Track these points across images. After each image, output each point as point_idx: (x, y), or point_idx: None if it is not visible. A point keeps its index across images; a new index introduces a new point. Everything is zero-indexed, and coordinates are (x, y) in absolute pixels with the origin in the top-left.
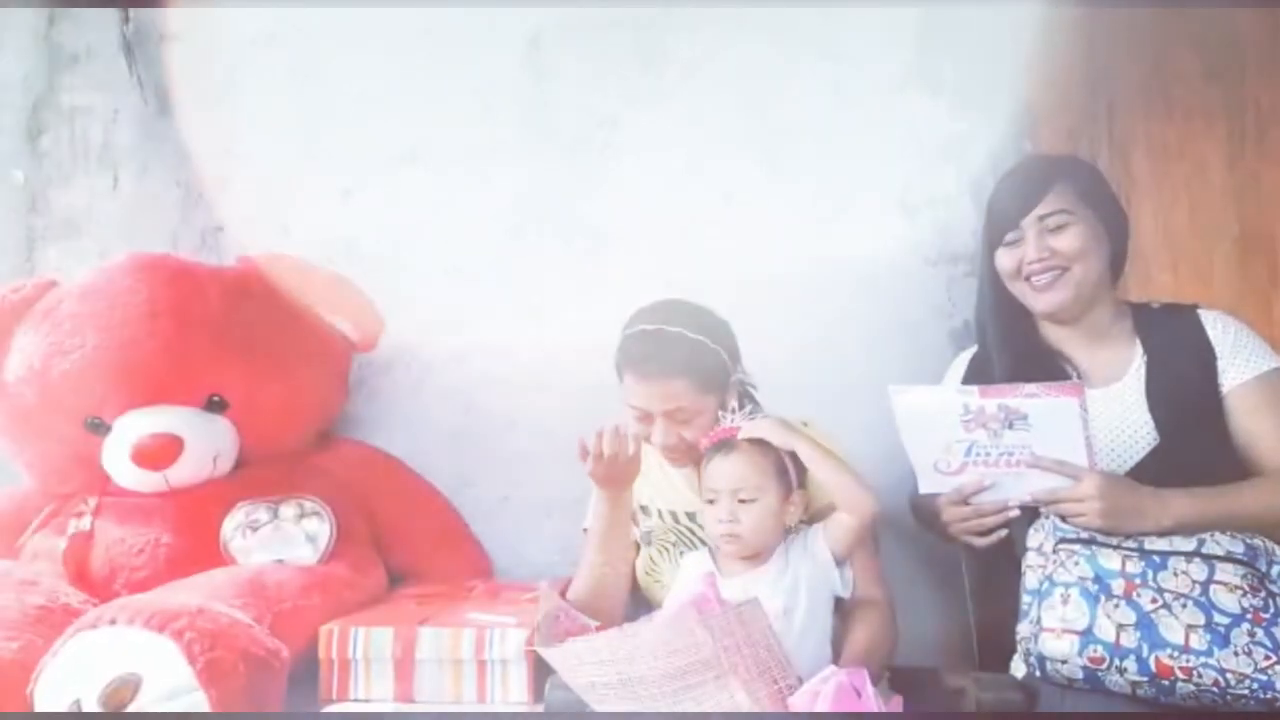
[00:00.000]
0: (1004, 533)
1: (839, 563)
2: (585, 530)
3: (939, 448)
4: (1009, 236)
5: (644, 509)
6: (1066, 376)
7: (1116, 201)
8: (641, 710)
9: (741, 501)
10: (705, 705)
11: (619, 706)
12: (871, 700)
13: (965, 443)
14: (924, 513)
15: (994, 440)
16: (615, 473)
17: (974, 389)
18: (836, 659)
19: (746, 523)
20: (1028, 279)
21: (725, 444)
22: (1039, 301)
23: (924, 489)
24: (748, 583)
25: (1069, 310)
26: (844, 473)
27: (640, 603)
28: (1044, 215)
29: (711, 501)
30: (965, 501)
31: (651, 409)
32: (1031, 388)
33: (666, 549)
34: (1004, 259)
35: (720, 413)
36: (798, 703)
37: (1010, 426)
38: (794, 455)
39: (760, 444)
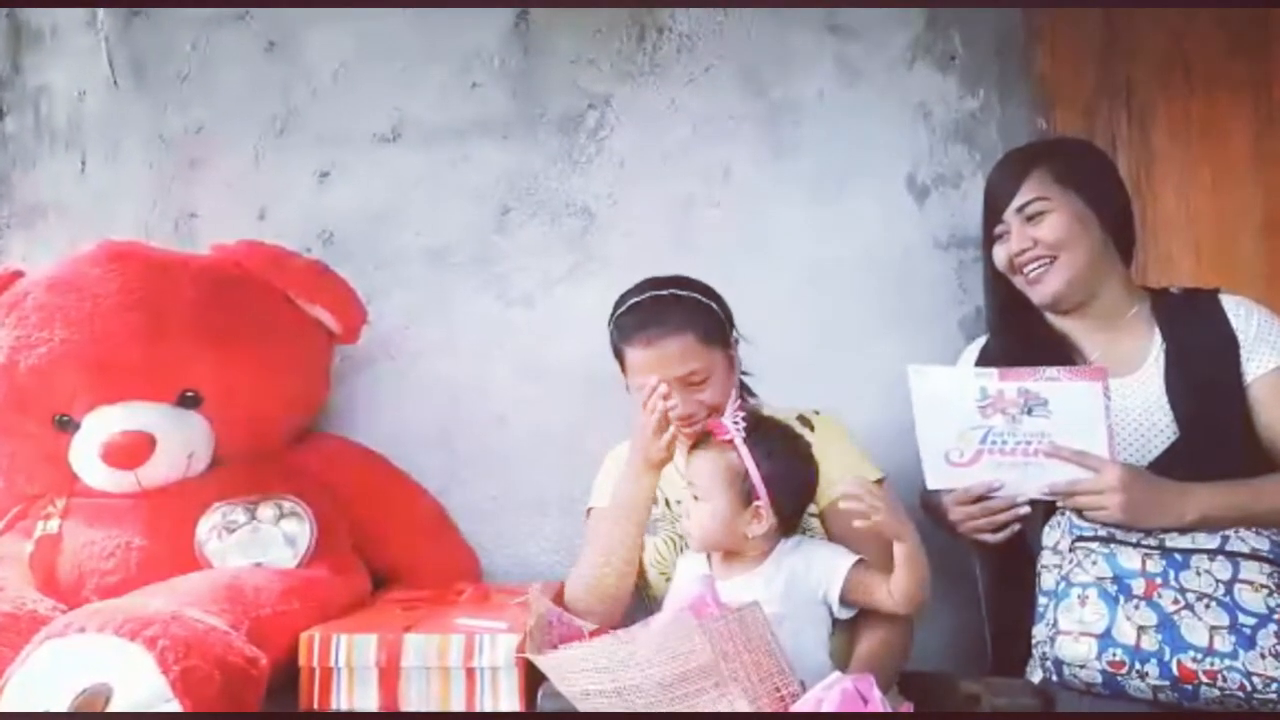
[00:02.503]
0: (1016, 528)
1: (846, 601)
2: (589, 510)
3: (953, 435)
4: (997, 231)
5: None
6: None
7: (1109, 179)
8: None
9: (695, 498)
10: (704, 712)
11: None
12: (879, 706)
13: (982, 429)
14: (935, 509)
15: (1011, 427)
16: (663, 443)
17: (993, 371)
18: (843, 666)
19: (694, 519)
20: (1020, 271)
21: (704, 437)
22: (1034, 294)
23: (933, 484)
24: (737, 587)
25: (1067, 299)
26: (918, 569)
27: (642, 598)
28: (1021, 206)
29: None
30: (974, 499)
31: (664, 377)
32: (1053, 371)
33: (673, 540)
34: (997, 254)
35: (733, 400)
36: (801, 709)
37: (1029, 412)
38: (782, 469)
39: (722, 446)
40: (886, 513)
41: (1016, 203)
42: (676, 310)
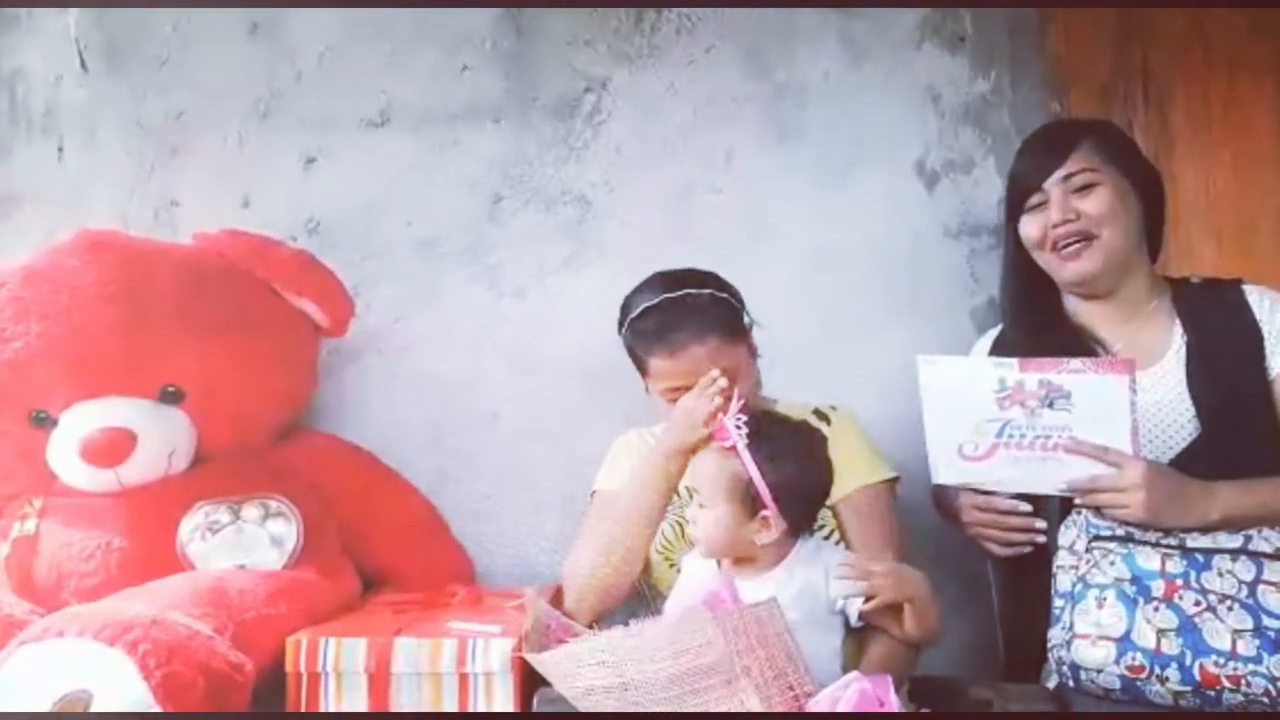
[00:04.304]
0: (1028, 549)
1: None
2: (594, 493)
3: (967, 428)
4: (1032, 201)
5: None
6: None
7: (1149, 164)
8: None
9: (700, 505)
10: (713, 710)
11: (618, 712)
12: (895, 708)
13: (999, 422)
14: (947, 505)
15: (1030, 420)
16: (705, 430)
17: (1013, 361)
18: (851, 668)
19: (700, 526)
20: (1054, 246)
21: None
22: (1066, 270)
23: (942, 478)
24: (747, 591)
25: (1100, 281)
26: (929, 619)
27: (642, 587)
28: (1069, 175)
29: None
30: (999, 510)
31: (693, 382)
32: (1077, 363)
33: (680, 525)
34: (1028, 226)
35: (737, 398)
36: (816, 709)
37: (1050, 405)
38: (789, 473)
39: (726, 454)
40: (891, 590)
41: (1062, 172)
42: (695, 312)
